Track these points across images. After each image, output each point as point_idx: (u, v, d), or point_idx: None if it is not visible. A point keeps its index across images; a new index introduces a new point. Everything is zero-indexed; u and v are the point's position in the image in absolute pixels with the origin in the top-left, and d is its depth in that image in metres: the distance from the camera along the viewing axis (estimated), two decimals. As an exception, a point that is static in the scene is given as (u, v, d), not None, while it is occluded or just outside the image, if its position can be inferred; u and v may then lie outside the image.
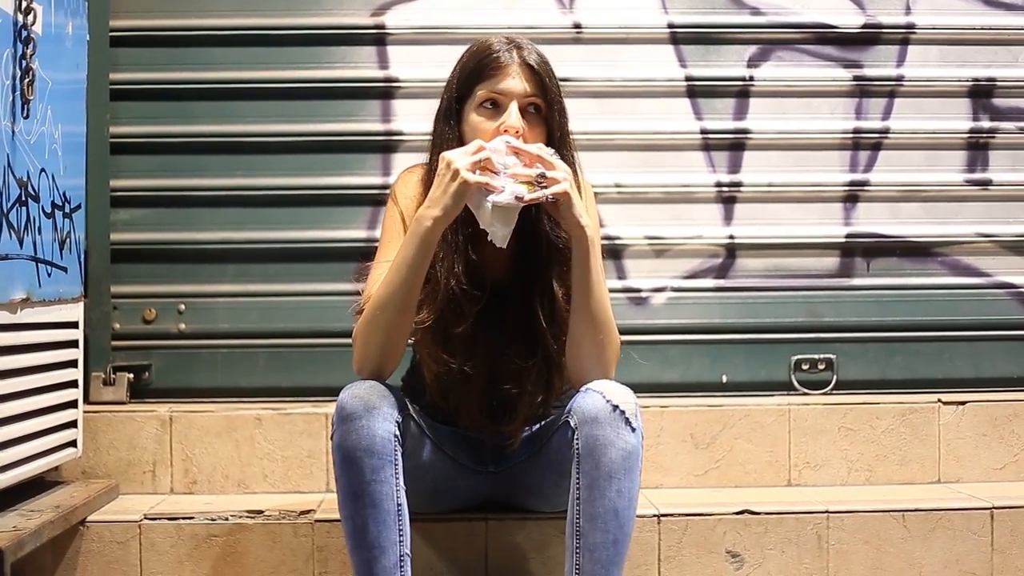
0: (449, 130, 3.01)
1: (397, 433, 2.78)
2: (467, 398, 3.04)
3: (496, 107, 2.95)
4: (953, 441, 3.86)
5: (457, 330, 2.96)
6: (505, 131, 2.90)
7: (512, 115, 2.92)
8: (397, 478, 2.78)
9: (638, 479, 2.80)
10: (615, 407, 2.77)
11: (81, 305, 3.56)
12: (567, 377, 3.00)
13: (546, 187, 2.77)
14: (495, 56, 2.96)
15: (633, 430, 2.78)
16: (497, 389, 3.04)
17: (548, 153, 2.82)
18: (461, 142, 2.96)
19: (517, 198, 2.77)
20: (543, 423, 3.10)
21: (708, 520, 3.37)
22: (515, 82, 2.94)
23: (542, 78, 2.96)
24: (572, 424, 2.81)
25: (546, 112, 2.98)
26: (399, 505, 2.77)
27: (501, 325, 3.02)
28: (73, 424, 3.51)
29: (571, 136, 3.03)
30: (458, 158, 2.79)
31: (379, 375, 2.88)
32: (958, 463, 3.86)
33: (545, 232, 2.98)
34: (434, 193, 2.81)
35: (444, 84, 3.07)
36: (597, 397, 2.80)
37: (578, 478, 2.78)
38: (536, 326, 3.00)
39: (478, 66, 2.98)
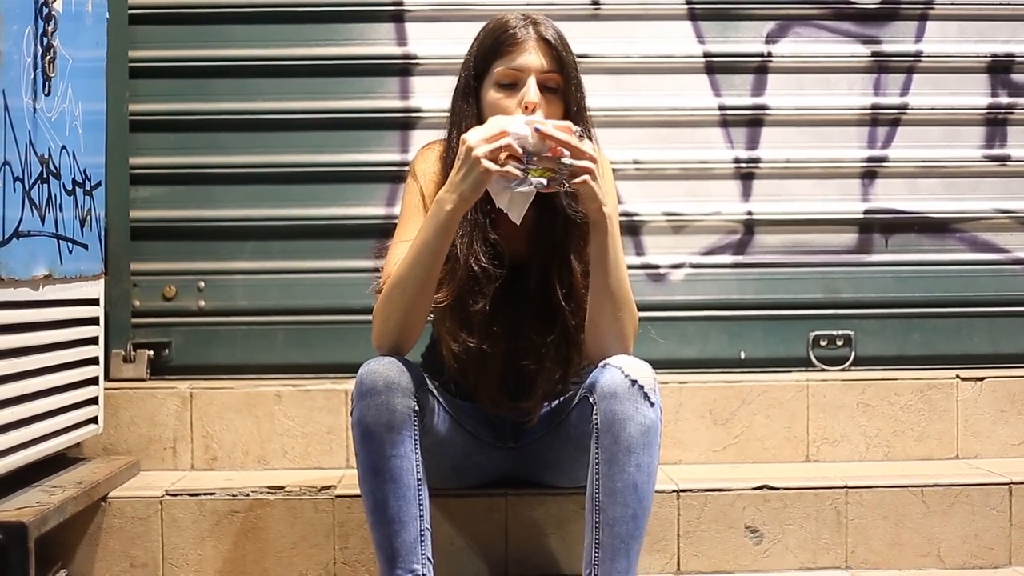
0: (467, 107, 3.02)
1: (416, 408, 2.79)
2: (486, 375, 3.05)
3: (514, 83, 2.95)
4: (971, 417, 3.86)
5: (476, 307, 2.97)
6: (525, 107, 2.90)
7: (531, 91, 2.92)
8: (416, 453, 2.79)
9: (657, 454, 2.81)
10: (633, 382, 2.77)
11: (102, 282, 3.57)
12: (586, 353, 3.01)
13: (568, 176, 2.75)
14: (512, 32, 2.96)
15: (652, 405, 2.78)
16: (515, 366, 3.04)
17: (575, 135, 2.76)
18: (480, 119, 2.96)
19: (538, 187, 2.76)
20: (562, 399, 3.11)
21: (727, 495, 3.38)
22: (532, 57, 2.94)
23: (559, 53, 2.96)
24: (591, 399, 2.82)
25: (563, 87, 2.98)
26: (419, 480, 2.78)
27: (519, 302, 3.03)
28: (94, 401, 3.52)
29: (588, 111, 3.04)
30: (478, 144, 2.74)
31: (398, 352, 2.89)
32: (976, 439, 3.86)
33: (562, 207, 2.97)
34: (454, 177, 2.79)
35: (462, 61, 3.08)
36: (616, 372, 2.80)
37: (597, 453, 2.79)
38: (554, 302, 3.00)
39: (495, 43, 2.98)
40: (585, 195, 2.78)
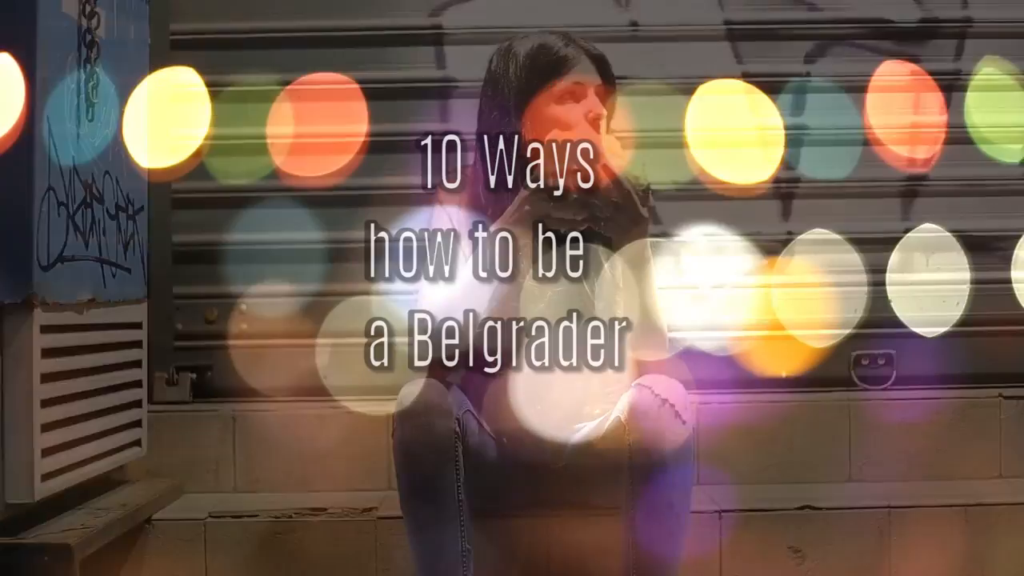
0: (507, 125, 2.97)
1: (458, 429, 2.79)
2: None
3: (572, 97, 2.93)
4: (1015, 436, 3.84)
5: None
6: (595, 118, 2.89)
7: (595, 102, 2.91)
8: (458, 474, 2.78)
9: (691, 472, 2.81)
10: (664, 401, 2.76)
11: (145, 306, 3.59)
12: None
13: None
14: (560, 51, 2.94)
15: (683, 423, 2.76)
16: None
17: (639, 192, 2.73)
18: (521, 144, 2.98)
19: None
20: (598, 420, 3.11)
21: (769, 516, 3.38)
22: (589, 72, 2.94)
23: (608, 67, 2.97)
24: (622, 419, 2.82)
25: (607, 101, 2.99)
26: (460, 501, 2.78)
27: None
28: (137, 424, 3.55)
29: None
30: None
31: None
32: (1020, 457, 3.83)
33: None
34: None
35: (488, 92, 3.05)
36: (646, 392, 2.79)
37: (631, 473, 2.79)
38: None
39: (549, 61, 2.94)
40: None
